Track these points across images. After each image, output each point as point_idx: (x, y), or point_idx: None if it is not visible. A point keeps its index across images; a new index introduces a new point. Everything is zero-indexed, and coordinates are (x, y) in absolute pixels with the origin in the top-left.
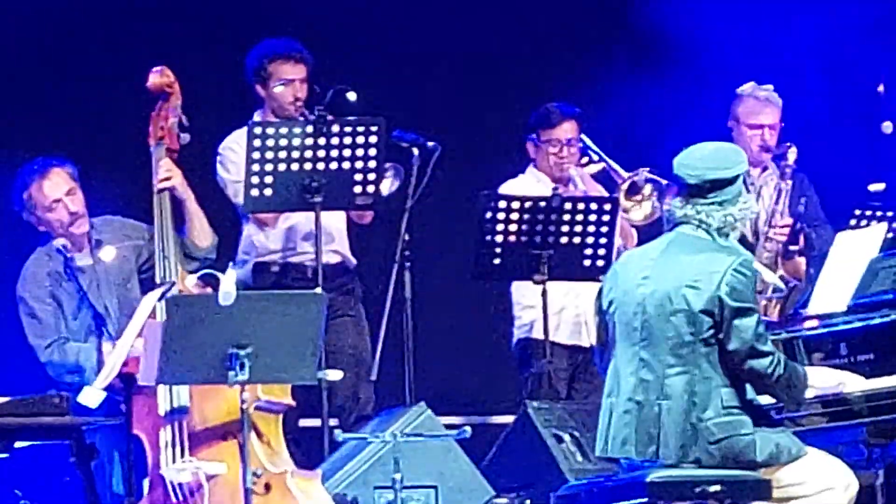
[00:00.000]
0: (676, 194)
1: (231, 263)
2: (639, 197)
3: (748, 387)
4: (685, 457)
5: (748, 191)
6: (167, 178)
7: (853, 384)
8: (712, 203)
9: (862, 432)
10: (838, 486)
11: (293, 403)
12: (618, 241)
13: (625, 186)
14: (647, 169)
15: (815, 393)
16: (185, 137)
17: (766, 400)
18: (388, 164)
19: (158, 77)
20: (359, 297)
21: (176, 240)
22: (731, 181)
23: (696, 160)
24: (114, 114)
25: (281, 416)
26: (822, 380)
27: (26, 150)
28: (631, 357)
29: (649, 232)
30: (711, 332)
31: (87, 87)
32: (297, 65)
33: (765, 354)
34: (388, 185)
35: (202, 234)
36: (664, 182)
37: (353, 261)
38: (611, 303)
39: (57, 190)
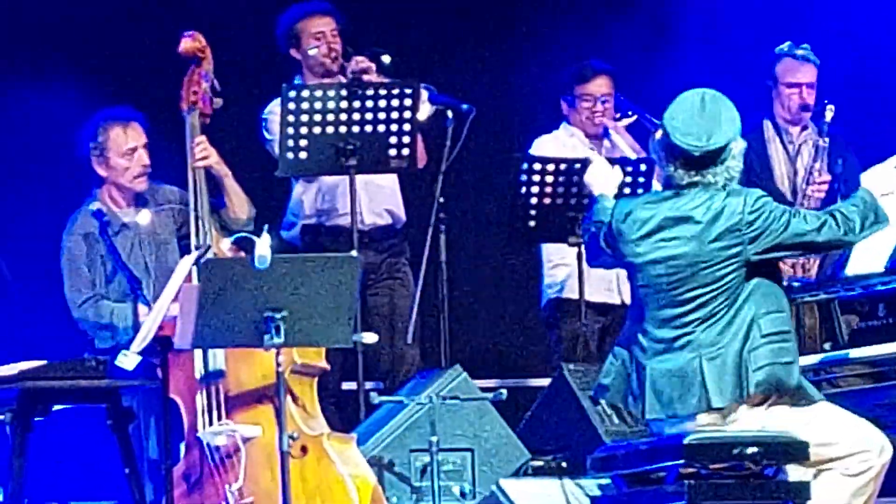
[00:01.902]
0: (672, 157)
1: (266, 227)
2: None
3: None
4: (740, 395)
5: (786, 150)
6: (203, 158)
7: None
8: (716, 165)
9: None
10: (873, 448)
11: (327, 367)
12: (657, 187)
13: (658, 133)
14: None
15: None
16: (218, 102)
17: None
18: (420, 85)
19: (190, 42)
20: (406, 259)
21: (209, 207)
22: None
23: (694, 128)
24: (145, 79)
25: (316, 380)
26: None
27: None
28: (660, 321)
29: None
30: (742, 270)
31: (119, 52)
32: (324, 17)
33: (823, 224)
34: (425, 111)
35: (240, 207)
36: None
37: (404, 218)
38: (628, 265)
39: (139, 138)
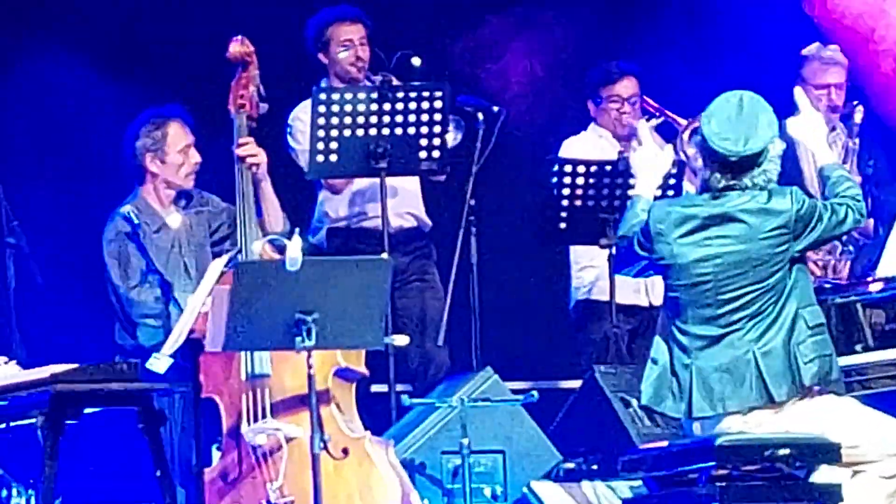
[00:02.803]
0: (710, 161)
1: (297, 230)
2: None
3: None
4: (797, 388)
5: None
6: (253, 156)
7: None
8: (753, 169)
9: None
10: None
11: (367, 372)
12: (688, 187)
13: (686, 134)
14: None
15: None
16: (264, 107)
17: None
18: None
19: (239, 46)
20: (434, 261)
21: (254, 210)
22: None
23: (731, 132)
24: (192, 83)
25: (354, 385)
26: None
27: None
28: (704, 319)
29: None
30: (784, 253)
31: (166, 56)
32: (354, 24)
33: (845, 218)
34: (451, 138)
35: (275, 220)
36: None
37: (429, 223)
38: (667, 266)
39: (190, 137)
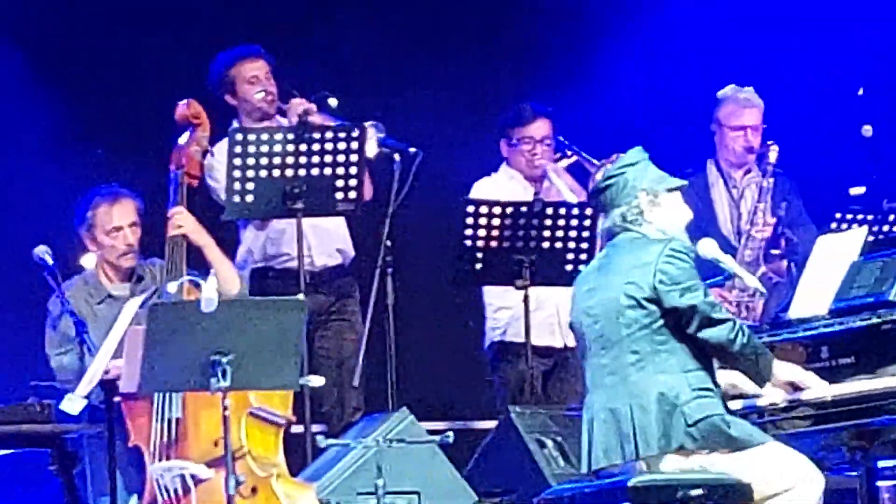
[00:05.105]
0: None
1: (212, 271)
2: None
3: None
4: (668, 445)
5: (729, 193)
6: (179, 227)
7: (814, 391)
8: (611, 204)
9: (843, 436)
10: (807, 479)
11: (293, 419)
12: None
13: (598, 175)
14: (619, 155)
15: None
16: (208, 165)
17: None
18: (368, 123)
19: (185, 109)
20: (356, 300)
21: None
22: (630, 165)
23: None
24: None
25: (281, 430)
26: (790, 373)
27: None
28: (596, 367)
29: None
30: (662, 320)
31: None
32: (257, 60)
33: (722, 322)
34: (374, 148)
35: (228, 282)
36: None
37: (352, 253)
38: (571, 323)
39: (124, 218)
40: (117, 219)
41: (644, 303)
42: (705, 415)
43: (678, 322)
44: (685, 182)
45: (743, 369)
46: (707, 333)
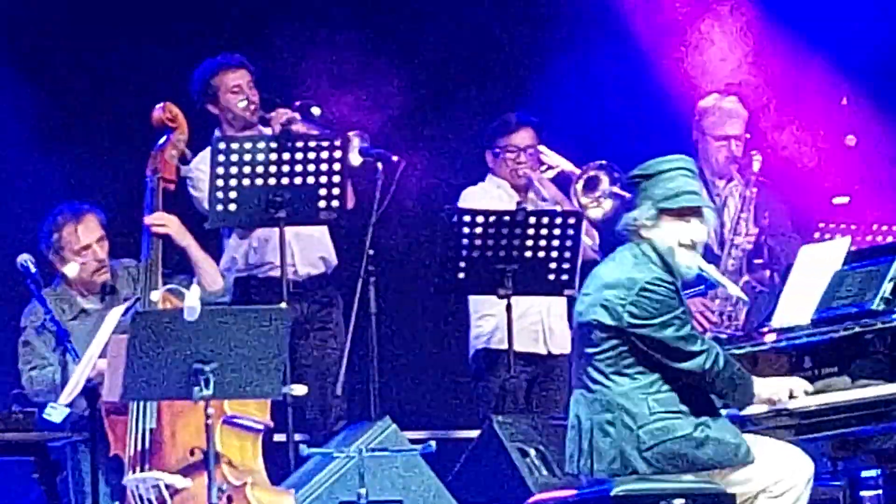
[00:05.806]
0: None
1: (195, 279)
2: (597, 193)
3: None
4: (623, 469)
5: (713, 203)
6: (160, 226)
7: (800, 392)
8: (632, 202)
9: (826, 445)
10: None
11: (271, 424)
12: (586, 240)
13: (580, 185)
14: (601, 162)
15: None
16: (186, 170)
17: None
18: (351, 132)
19: (161, 113)
20: (339, 309)
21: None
22: (646, 177)
23: None
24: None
25: (259, 436)
26: (770, 390)
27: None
28: (575, 368)
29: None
30: (627, 346)
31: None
32: (239, 70)
33: (695, 354)
34: (356, 156)
35: (211, 280)
36: (616, 174)
37: (335, 261)
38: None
39: (90, 235)
40: (84, 237)
41: (611, 330)
42: (661, 440)
43: (648, 350)
44: (696, 203)
45: (721, 396)
46: (682, 366)
